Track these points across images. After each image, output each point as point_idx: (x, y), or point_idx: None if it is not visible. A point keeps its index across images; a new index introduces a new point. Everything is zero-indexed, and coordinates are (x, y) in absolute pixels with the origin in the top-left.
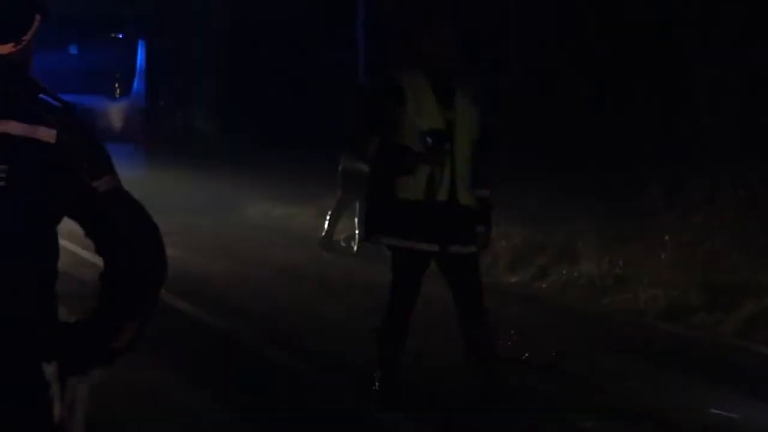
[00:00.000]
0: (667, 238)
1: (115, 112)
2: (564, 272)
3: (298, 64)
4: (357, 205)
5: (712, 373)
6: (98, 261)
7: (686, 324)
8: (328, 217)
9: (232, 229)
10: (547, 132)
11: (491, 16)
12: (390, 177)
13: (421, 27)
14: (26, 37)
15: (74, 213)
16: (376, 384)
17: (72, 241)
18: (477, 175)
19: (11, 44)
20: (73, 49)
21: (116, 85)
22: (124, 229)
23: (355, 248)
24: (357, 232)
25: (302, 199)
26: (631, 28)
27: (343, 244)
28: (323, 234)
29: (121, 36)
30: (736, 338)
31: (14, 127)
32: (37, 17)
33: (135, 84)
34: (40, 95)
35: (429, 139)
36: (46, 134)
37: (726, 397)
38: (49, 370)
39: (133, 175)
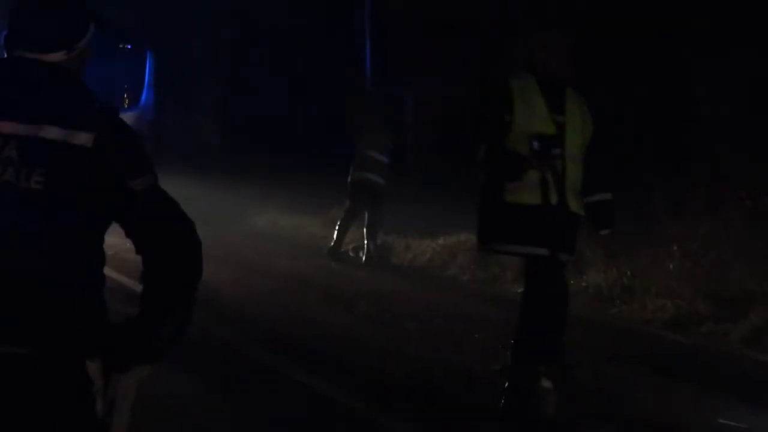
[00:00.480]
0: (674, 248)
1: None
2: (571, 282)
3: (303, 73)
4: (366, 215)
5: (720, 383)
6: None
7: (693, 334)
8: (336, 227)
9: (240, 239)
10: None
11: (498, 21)
12: (499, 182)
13: (537, 33)
14: (79, 46)
15: (114, 214)
16: (507, 399)
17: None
18: (591, 179)
19: (63, 52)
20: None
21: (124, 96)
22: (159, 227)
23: (363, 258)
24: (365, 242)
25: (310, 208)
26: (634, 36)
27: (351, 254)
28: (332, 244)
29: (129, 47)
30: (743, 348)
31: (52, 132)
32: (92, 26)
33: (143, 95)
34: (84, 100)
35: (536, 144)
36: (84, 138)
37: (733, 406)
38: (93, 367)
39: None
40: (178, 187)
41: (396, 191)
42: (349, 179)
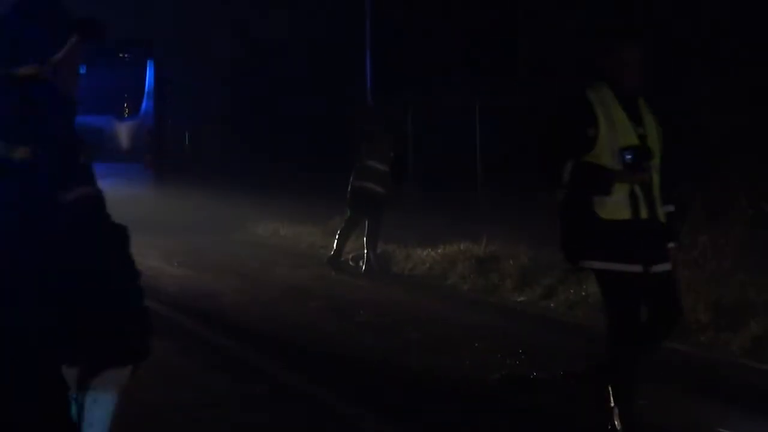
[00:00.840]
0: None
1: (123, 132)
2: (572, 291)
3: (305, 82)
4: (366, 225)
5: (720, 392)
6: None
7: (693, 342)
8: (337, 236)
9: (240, 248)
10: None
11: (499, 29)
12: (587, 198)
13: (610, 45)
14: (54, 58)
15: (48, 225)
16: (616, 422)
17: None
18: (664, 189)
19: (34, 66)
20: (81, 69)
21: (125, 105)
22: (81, 240)
23: (363, 267)
24: (366, 251)
25: (311, 218)
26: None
27: (351, 263)
28: (332, 253)
29: (129, 56)
30: (744, 357)
31: None
32: (73, 37)
33: (143, 104)
34: (35, 114)
35: (628, 156)
36: (22, 152)
37: (733, 415)
38: (69, 372)
39: (141, 194)
40: (178, 196)
41: (396, 201)
42: (349, 188)
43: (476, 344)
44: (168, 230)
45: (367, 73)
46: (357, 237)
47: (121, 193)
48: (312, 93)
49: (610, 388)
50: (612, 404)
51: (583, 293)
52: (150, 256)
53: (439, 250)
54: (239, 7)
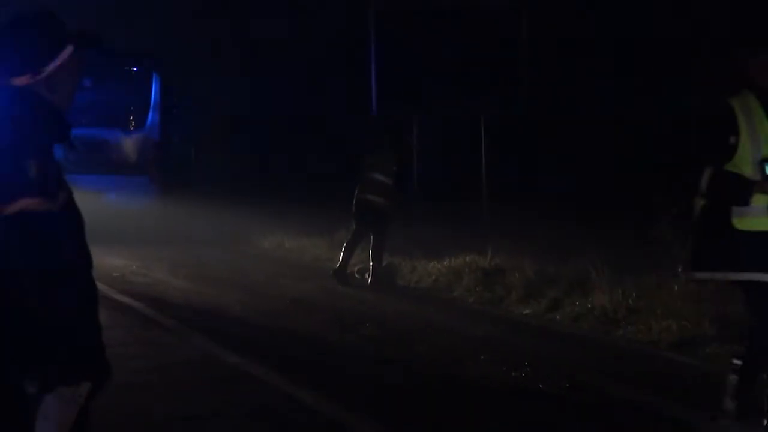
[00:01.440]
0: (679, 269)
1: (129, 145)
2: (577, 304)
3: (309, 95)
4: (371, 238)
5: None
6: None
7: (700, 355)
8: (342, 249)
9: (245, 261)
10: (561, 164)
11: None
12: (724, 208)
13: (755, 52)
14: (47, 69)
15: None
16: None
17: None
18: None
19: (27, 76)
20: (86, 82)
21: (130, 118)
22: (12, 260)
23: (369, 280)
24: (371, 263)
25: (316, 230)
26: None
27: (357, 276)
28: (337, 266)
29: (135, 69)
30: None
31: None
32: (68, 48)
33: (149, 117)
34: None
35: None
36: None
37: (740, 428)
38: (31, 386)
39: (146, 207)
40: (184, 209)
41: (401, 213)
42: (353, 201)
43: (482, 356)
44: (173, 243)
45: (372, 85)
46: (363, 249)
47: (126, 206)
48: (317, 105)
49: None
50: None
51: (589, 305)
52: (155, 269)
53: (445, 263)
54: (244, 19)
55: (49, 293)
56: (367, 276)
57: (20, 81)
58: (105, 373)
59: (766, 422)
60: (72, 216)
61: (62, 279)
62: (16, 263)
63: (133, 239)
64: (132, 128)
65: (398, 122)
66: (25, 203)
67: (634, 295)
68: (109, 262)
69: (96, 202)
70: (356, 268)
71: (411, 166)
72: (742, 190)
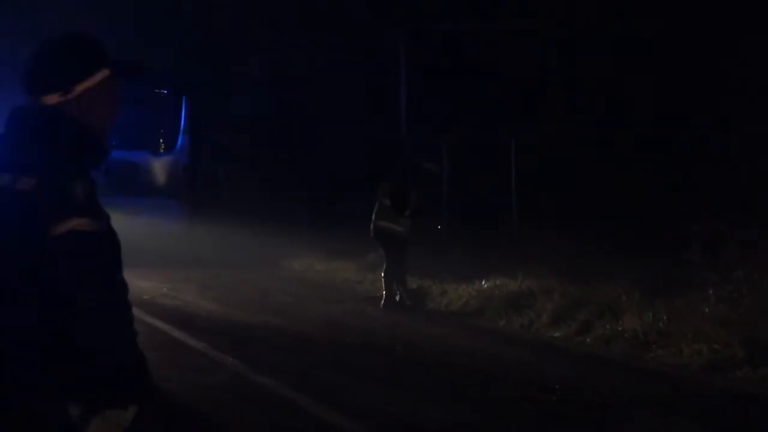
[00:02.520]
0: (710, 292)
1: (158, 168)
2: (607, 326)
3: (340, 121)
4: (384, 262)
5: (757, 428)
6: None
7: (730, 378)
8: (383, 280)
9: (274, 283)
10: (590, 187)
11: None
12: None
13: None
14: (77, 88)
15: (41, 257)
16: None
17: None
18: None
19: (58, 94)
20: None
21: (160, 140)
22: (62, 280)
23: (383, 303)
24: (386, 287)
25: (346, 253)
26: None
27: (408, 302)
28: (384, 299)
29: (165, 92)
30: None
31: (3, 178)
32: (103, 71)
33: (179, 140)
34: (46, 144)
35: None
36: (25, 184)
37: None
38: (75, 410)
39: (176, 230)
40: (213, 232)
41: (419, 238)
42: (371, 227)
43: (512, 379)
44: (203, 265)
45: (402, 111)
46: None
47: (156, 229)
48: (346, 128)
49: None
50: None
51: (620, 328)
52: (185, 291)
53: (475, 286)
54: (272, 41)
55: (98, 314)
56: (398, 297)
57: (50, 99)
58: (151, 396)
59: None
60: (115, 238)
61: (109, 300)
62: (65, 284)
63: (163, 262)
64: (161, 151)
65: (410, 147)
66: (74, 223)
67: (664, 318)
68: (138, 284)
69: (125, 224)
70: (396, 293)
71: (423, 191)
72: None
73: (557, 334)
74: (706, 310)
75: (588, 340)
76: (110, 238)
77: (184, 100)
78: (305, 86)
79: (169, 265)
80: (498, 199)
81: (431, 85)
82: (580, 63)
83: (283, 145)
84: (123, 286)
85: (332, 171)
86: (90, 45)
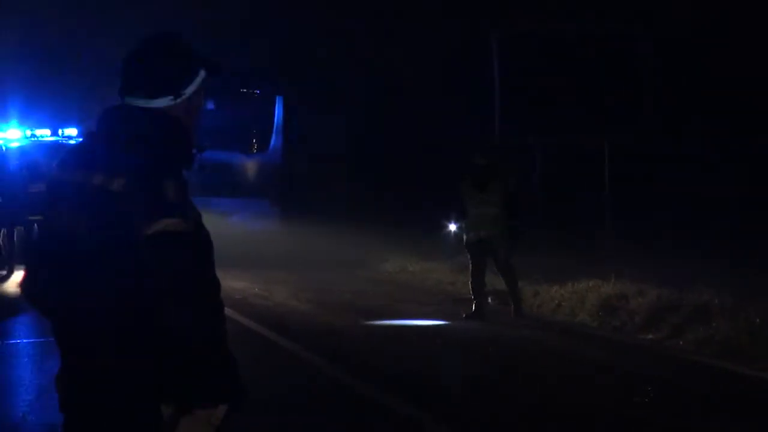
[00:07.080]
0: None
1: (251, 168)
2: (700, 330)
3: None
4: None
5: None
6: None
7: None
8: (471, 290)
9: (367, 285)
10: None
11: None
12: None
13: None
14: (186, 92)
15: (134, 257)
16: None
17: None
18: None
19: (169, 98)
20: (210, 105)
21: (253, 141)
22: (155, 279)
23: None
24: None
25: (436, 255)
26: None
27: (491, 302)
28: (473, 309)
29: (258, 92)
30: None
31: (96, 178)
32: (201, 72)
33: (272, 140)
34: (147, 146)
35: None
36: (118, 185)
37: None
38: (167, 410)
39: (269, 230)
40: (306, 233)
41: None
42: (464, 238)
43: (603, 382)
44: (295, 266)
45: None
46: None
47: (249, 230)
48: (440, 131)
49: None
50: None
51: (712, 332)
52: (277, 292)
53: (568, 288)
54: (365, 44)
55: (189, 313)
56: (490, 300)
57: (159, 103)
58: (242, 395)
59: None
60: (205, 237)
61: (200, 299)
62: (157, 284)
63: (255, 262)
64: (254, 151)
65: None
66: (165, 223)
67: (757, 321)
68: (230, 284)
69: (218, 224)
70: (489, 297)
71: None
72: None
73: (649, 337)
74: None
75: (680, 343)
76: (201, 238)
77: (278, 100)
78: (400, 89)
79: (261, 265)
80: (591, 201)
81: (524, 86)
82: (679, 67)
83: (376, 148)
84: (215, 285)
85: (426, 173)
86: (190, 47)
